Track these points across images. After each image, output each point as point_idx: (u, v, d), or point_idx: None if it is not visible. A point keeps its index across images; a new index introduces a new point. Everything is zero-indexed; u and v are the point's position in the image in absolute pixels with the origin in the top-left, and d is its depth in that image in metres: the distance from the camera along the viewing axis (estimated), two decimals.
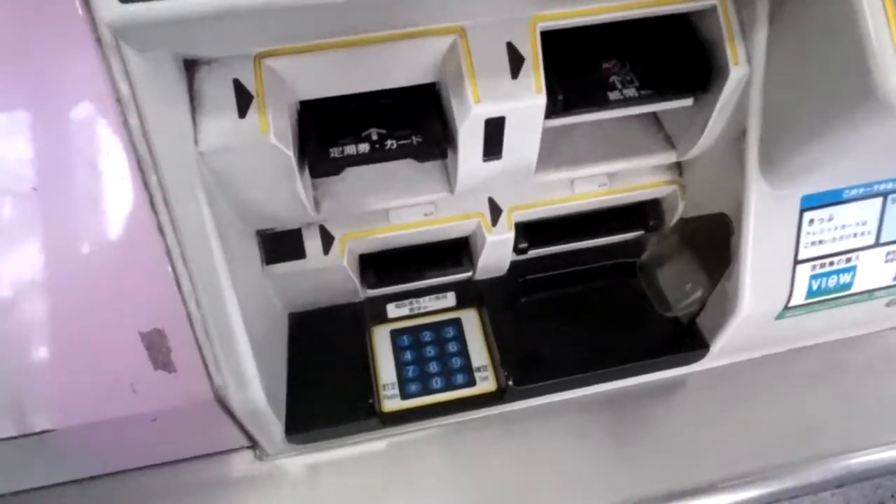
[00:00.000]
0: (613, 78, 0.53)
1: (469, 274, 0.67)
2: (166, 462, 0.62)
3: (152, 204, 0.46)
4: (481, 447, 0.63)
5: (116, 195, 0.46)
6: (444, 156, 0.51)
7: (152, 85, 0.42)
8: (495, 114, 0.48)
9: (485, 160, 0.51)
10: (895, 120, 0.41)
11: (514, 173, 0.54)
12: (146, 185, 0.45)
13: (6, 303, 0.46)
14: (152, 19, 0.36)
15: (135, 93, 0.42)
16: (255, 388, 0.53)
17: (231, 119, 0.45)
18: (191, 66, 0.45)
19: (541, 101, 0.48)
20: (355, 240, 0.59)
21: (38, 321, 0.48)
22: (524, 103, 0.48)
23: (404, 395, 0.63)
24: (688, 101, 0.55)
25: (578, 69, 0.52)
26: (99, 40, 0.41)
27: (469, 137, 0.49)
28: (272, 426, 0.57)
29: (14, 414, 0.50)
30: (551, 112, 0.49)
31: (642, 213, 0.68)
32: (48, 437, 0.51)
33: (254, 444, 0.61)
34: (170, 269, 0.48)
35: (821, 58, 0.45)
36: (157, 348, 0.50)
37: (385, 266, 0.66)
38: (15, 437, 0.50)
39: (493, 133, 0.49)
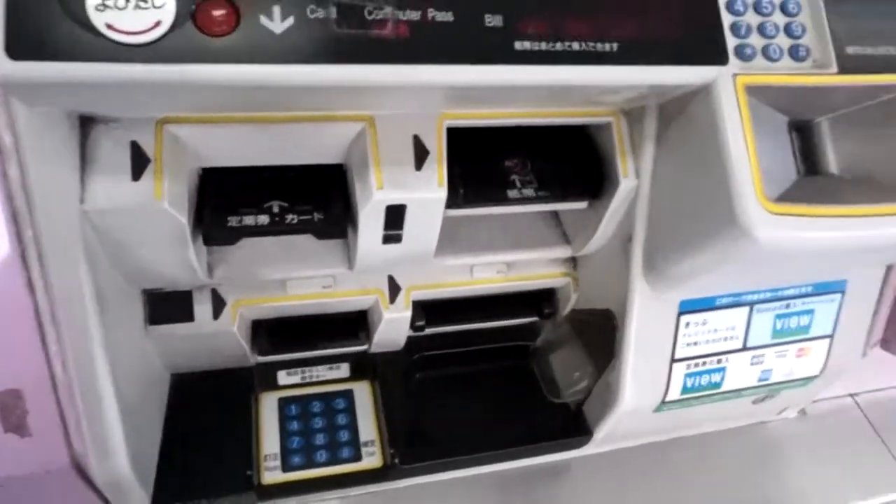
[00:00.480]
0: (514, 176, 0.56)
1: (365, 347, 0.67)
2: None
3: (24, 258, 0.43)
4: None
5: None
6: (343, 235, 0.51)
7: (39, 139, 0.41)
8: (396, 201, 0.49)
9: (384, 242, 0.52)
10: (752, 246, 0.46)
11: (414, 257, 0.56)
12: (19, 239, 0.43)
13: None
14: (45, 80, 0.35)
15: (18, 144, 0.40)
16: (120, 457, 0.50)
17: (124, 181, 0.44)
18: (87, 122, 0.44)
19: (442, 193, 0.49)
20: (248, 306, 0.58)
21: None
22: (425, 195, 0.49)
23: (286, 466, 0.61)
24: (582, 205, 0.58)
25: (482, 164, 0.55)
26: None
27: (370, 221, 0.50)
28: (136, 498, 0.54)
29: None
30: (452, 204, 0.51)
31: (537, 301, 0.70)
32: None
33: None
34: (36, 327, 0.45)
35: (695, 182, 0.49)
36: (10, 409, 0.46)
37: (278, 332, 0.64)
38: None
39: (394, 219, 0.50)
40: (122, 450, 0.49)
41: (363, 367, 0.68)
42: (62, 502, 0.55)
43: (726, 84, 0.46)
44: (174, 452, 0.59)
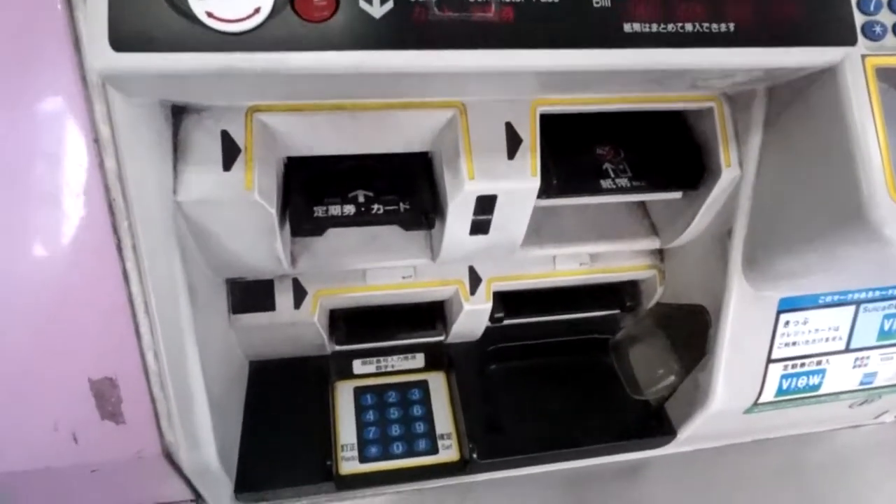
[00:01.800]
0: (607, 165, 0.53)
1: (441, 337, 0.66)
2: None
3: (120, 249, 0.43)
4: None
5: (84, 237, 0.43)
6: (431, 226, 0.49)
7: (135, 130, 0.40)
8: (488, 192, 0.47)
9: (471, 234, 0.50)
10: (879, 244, 0.42)
11: (500, 248, 0.54)
12: (115, 230, 0.43)
13: None
14: (146, 71, 0.34)
15: (115, 136, 0.40)
16: (209, 447, 0.50)
17: (215, 171, 0.43)
18: (178, 113, 0.43)
19: (535, 183, 0.47)
20: (329, 297, 0.58)
21: None
22: (518, 185, 0.47)
23: (363, 458, 0.61)
24: (677, 195, 0.55)
25: (573, 152, 0.52)
26: (84, 79, 0.39)
27: (459, 212, 0.48)
28: (221, 485, 0.54)
29: None
30: (544, 193, 0.49)
31: (620, 293, 0.67)
32: None
33: (198, 499, 0.58)
34: (130, 317, 0.45)
35: (812, 173, 0.46)
36: (106, 397, 0.47)
37: (355, 322, 0.64)
38: None
39: (484, 209, 0.48)
40: (210, 440, 0.50)
41: (438, 357, 0.67)
42: (151, 487, 0.56)
43: (854, 66, 0.42)
44: (255, 441, 0.59)
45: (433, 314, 0.65)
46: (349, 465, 0.60)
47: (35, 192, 0.42)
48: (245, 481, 0.56)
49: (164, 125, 0.42)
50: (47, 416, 0.47)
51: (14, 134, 0.41)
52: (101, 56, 0.33)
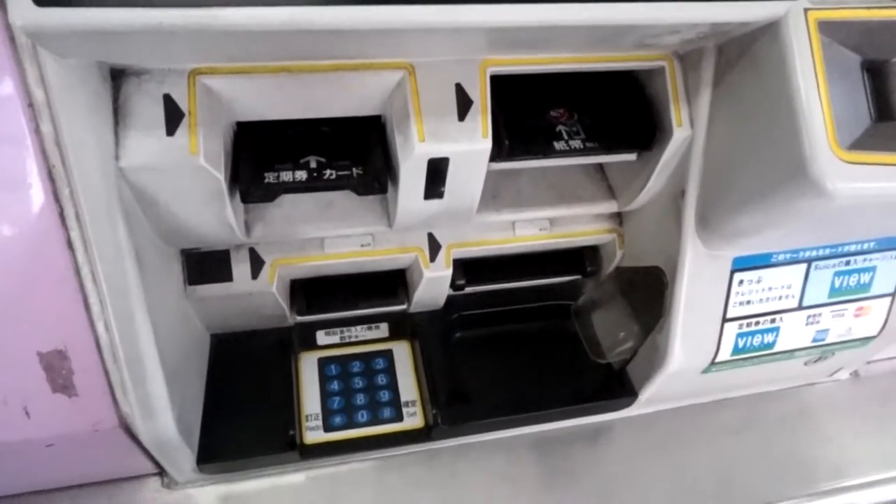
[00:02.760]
0: (560, 127, 0.53)
1: (404, 306, 0.66)
2: (64, 487, 0.58)
3: (62, 217, 0.43)
4: (404, 485, 0.62)
5: (23, 205, 0.42)
6: (384, 190, 0.49)
7: (71, 93, 0.39)
8: (439, 154, 0.47)
9: (426, 198, 0.50)
10: (822, 199, 0.43)
11: (456, 213, 0.54)
12: (57, 197, 0.42)
13: None
14: (71, 27, 0.33)
15: (49, 99, 0.39)
16: (166, 417, 0.50)
17: (158, 136, 0.42)
18: (118, 76, 0.42)
19: (486, 145, 0.47)
20: (287, 266, 0.57)
21: None
22: (469, 147, 0.47)
23: (328, 427, 0.61)
24: (631, 157, 0.55)
25: (525, 115, 0.52)
26: (12, 40, 0.38)
27: (411, 175, 0.48)
28: (182, 455, 0.54)
29: None
30: (496, 156, 0.49)
31: (580, 259, 0.68)
32: None
33: (162, 472, 0.58)
34: (77, 287, 0.44)
35: (758, 129, 0.46)
36: (56, 370, 0.47)
37: (317, 293, 0.63)
38: None
39: (436, 173, 0.48)
40: (166, 409, 0.49)
41: (402, 326, 0.67)
42: (111, 460, 0.56)
43: (797, 19, 0.42)
44: (217, 412, 0.59)
45: (395, 283, 0.65)
46: (314, 434, 0.60)
47: None
48: (207, 452, 0.56)
49: (102, 87, 0.41)
50: None
51: None
52: (24, 12, 0.32)
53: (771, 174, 0.45)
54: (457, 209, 0.53)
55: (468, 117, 0.47)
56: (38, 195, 0.42)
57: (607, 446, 0.69)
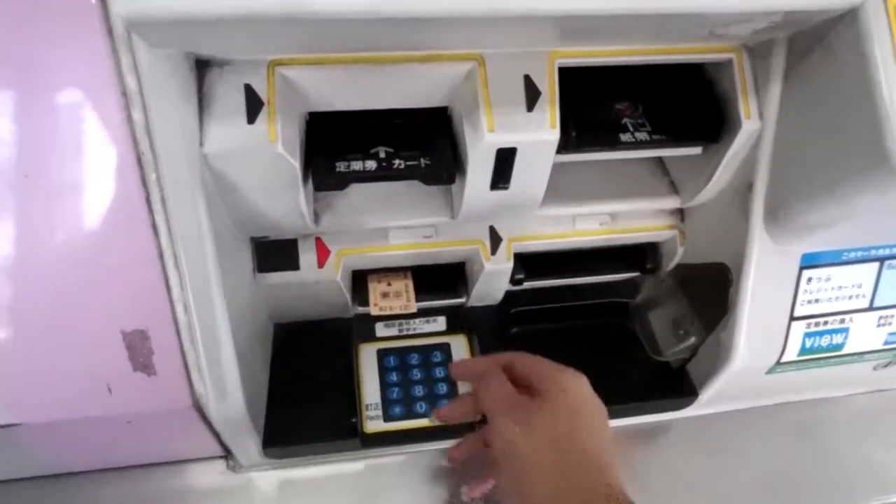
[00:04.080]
0: (626, 119, 0.53)
1: (462, 300, 0.66)
2: (135, 465, 0.60)
3: (149, 202, 0.45)
4: (460, 477, 0.62)
5: (113, 190, 0.44)
6: (451, 181, 0.50)
7: (161, 81, 0.41)
8: (508, 144, 0.47)
9: (492, 189, 0.51)
10: None
11: (520, 205, 0.54)
12: (144, 182, 0.44)
13: None
14: (167, 17, 0.35)
15: (142, 88, 0.41)
16: (237, 399, 0.51)
17: (239, 124, 0.44)
18: (203, 67, 0.45)
19: (554, 135, 0.47)
20: (351, 256, 0.58)
21: (17, 309, 0.46)
22: (538, 137, 0.47)
23: (387, 417, 0.62)
24: (697, 150, 0.55)
25: (592, 107, 0.52)
26: (110, 31, 0.40)
27: (478, 165, 0.49)
28: (249, 439, 0.56)
29: None
30: (563, 148, 0.49)
31: (640, 255, 0.67)
32: (13, 431, 0.49)
33: (228, 454, 0.60)
34: (160, 269, 0.46)
35: (834, 119, 0.45)
36: (138, 349, 0.49)
37: None
38: None
39: (504, 163, 0.49)
40: (238, 391, 0.51)
41: (460, 320, 0.67)
42: (181, 441, 0.58)
43: (876, 7, 0.41)
44: (281, 399, 0.60)
45: (454, 277, 0.66)
46: (374, 423, 0.61)
47: (64, 148, 0.43)
48: (273, 436, 0.57)
49: (190, 77, 0.43)
50: (83, 367, 0.48)
51: (41, 89, 0.42)
52: (126, 2, 0.34)
53: (848, 165, 0.44)
54: (521, 200, 0.53)
55: (536, 108, 0.47)
56: (127, 181, 0.44)
57: (664, 446, 0.68)
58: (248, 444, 0.56)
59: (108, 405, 0.49)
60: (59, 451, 0.56)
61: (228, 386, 0.51)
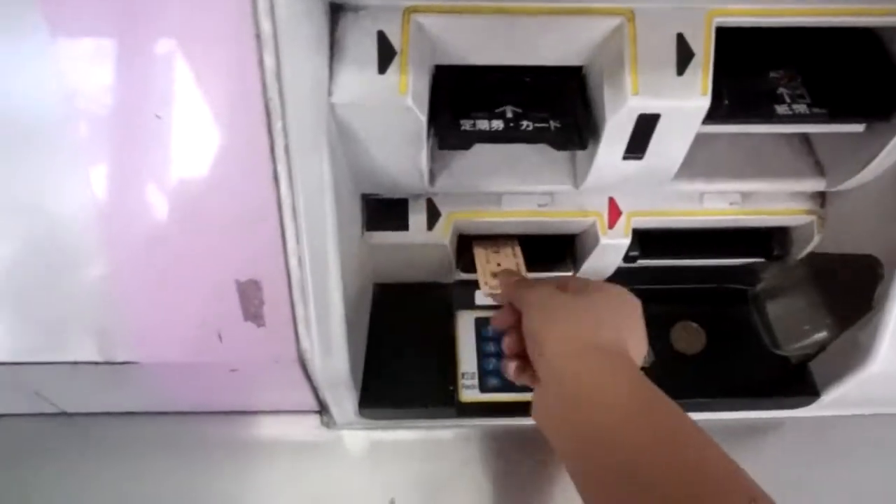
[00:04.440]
0: (782, 90, 0.47)
1: (569, 273, 0.63)
2: (235, 411, 0.61)
3: (273, 150, 0.43)
4: (550, 454, 0.60)
5: (237, 137, 0.43)
6: (583, 146, 0.46)
7: (296, 25, 0.39)
8: (652, 110, 0.43)
9: (625, 158, 0.47)
10: None
11: (651, 176, 0.50)
12: (269, 131, 0.43)
13: (109, 228, 0.45)
14: None
15: (276, 31, 0.39)
16: (341, 357, 0.51)
17: (370, 73, 0.42)
18: (336, 11, 0.42)
19: (704, 103, 0.43)
20: (462, 219, 0.56)
21: (138, 253, 0.46)
22: (685, 103, 0.43)
23: (483, 387, 0.60)
24: (859, 128, 0.49)
25: (746, 74, 0.47)
26: None
27: (616, 131, 0.45)
28: (347, 397, 0.55)
29: (101, 341, 0.49)
30: (710, 117, 0.44)
31: (767, 240, 0.62)
32: (129, 369, 0.50)
33: (323, 410, 0.60)
34: (278, 220, 0.45)
35: None
36: (249, 299, 0.48)
37: None
38: (97, 363, 0.50)
39: (644, 130, 0.45)
40: (343, 349, 0.50)
41: None
42: (282, 391, 0.58)
43: None
44: (378, 359, 0.59)
45: (563, 248, 0.62)
46: (470, 392, 0.60)
47: (196, 91, 0.42)
48: (369, 396, 0.57)
49: (324, 22, 0.41)
50: (196, 313, 0.49)
51: (176, 31, 0.41)
52: None
53: None
54: (654, 172, 0.49)
55: (688, 71, 0.43)
56: (252, 127, 0.43)
57: (772, 446, 0.63)
58: (345, 402, 0.56)
59: (217, 352, 0.50)
60: (167, 390, 0.57)
61: (334, 343, 0.50)
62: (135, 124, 0.43)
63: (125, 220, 0.45)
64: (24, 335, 0.49)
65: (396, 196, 0.56)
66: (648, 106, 0.43)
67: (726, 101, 0.45)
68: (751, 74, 0.48)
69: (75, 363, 0.49)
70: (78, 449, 0.59)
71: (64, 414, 0.60)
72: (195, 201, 0.45)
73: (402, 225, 0.56)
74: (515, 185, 0.53)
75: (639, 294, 0.65)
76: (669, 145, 0.46)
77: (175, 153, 0.44)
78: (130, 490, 0.58)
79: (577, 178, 0.52)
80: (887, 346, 0.51)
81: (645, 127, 0.44)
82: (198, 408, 0.60)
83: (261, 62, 0.41)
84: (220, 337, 0.49)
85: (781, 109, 0.46)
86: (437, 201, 0.56)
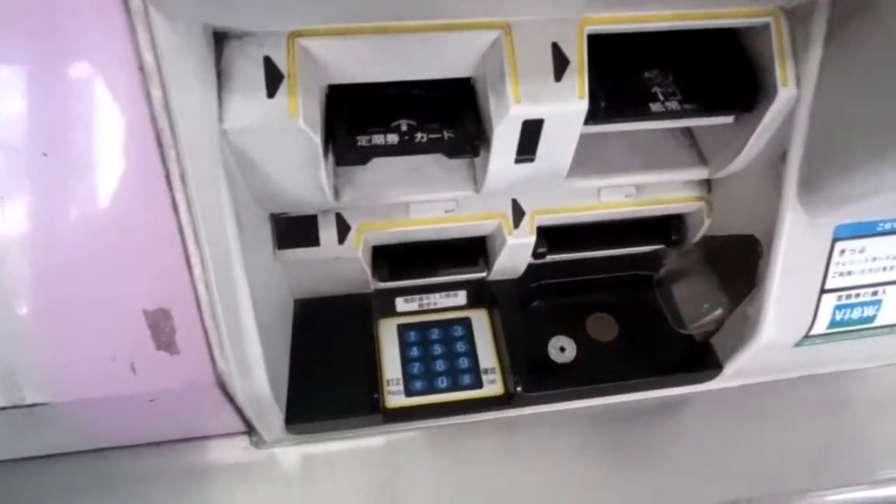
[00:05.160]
0: (656, 88, 0.51)
1: (483, 274, 0.65)
2: (159, 442, 0.60)
3: (168, 180, 0.44)
4: (481, 452, 0.62)
5: (131, 168, 0.43)
6: (475, 154, 0.49)
7: (179, 56, 0.40)
8: (535, 116, 0.46)
9: (517, 162, 0.49)
10: None
11: (545, 177, 0.53)
12: (164, 160, 0.43)
13: (7, 268, 0.44)
14: None
15: (160, 63, 0.39)
16: (260, 376, 0.51)
17: (259, 98, 0.43)
18: (220, 40, 0.43)
19: (583, 106, 0.46)
20: (372, 231, 0.57)
21: (38, 290, 0.45)
22: (566, 107, 0.46)
23: (409, 392, 0.62)
24: (729, 119, 0.53)
25: (620, 76, 0.50)
26: (126, 5, 0.38)
27: (504, 137, 0.47)
28: (273, 415, 0.56)
29: (6, 384, 0.48)
30: (590, 118, 0.47)
31: (665, 228, 0.66)
32: (40, 410, 0.49)
33: (250, 431, 0.60)
34: (181, 248, 0.46)
35: (880, 86, 0.43)
36: (160, 328, 0.48)
37: (398, 259, 0.64)
38: (4, 408, 0.48)
39: (530, 135, 0.47)
40: (261, 367, 0.51)
41: (481, 295, 0.67)
42: (204, 418, 0.58)
43: None
44: (302, 375, 0.60)
45: (475, 250, 0.65)
46: (395, 398, 0.61)
47: (83, 126, 0.42)
48: (295, 413, 0.57)
49: (207, 51, 0.42)
50: (106, 347, 0.48)
51: (58, 68, 0.41)
52: None
53: (893, 130, 0.42)
54: (547, 173, 0.52)
55: (565, 77, 0.45)
56: (146, 158, 0.43)
57: (687, 420, 0.67)
58: (271, 420, 0.56)
59: (131, 384, 0.49)
60: (83, 428, 0.56)
61: (251, 363, 0.50)
62: (21, 163, 0.42)
63: (25, 257, 0.45)
64: None
65: (305, 213, 0.56)
66: (531, 112, 0.45)
67: (603, 103, 0.48)
68: (626, 76, 0.51)
69: None
70: None
71: None
72: (96, 235, 0.45)
73: (314, 241, 0.56)
74: (419, 195, 0.55)
75: (553, 288, 0.69)
76: (557, 147, 0.49)
77: (69, 189, 0.43)
78: None
79: (477, 183, 0.54)
80: (772, 317, 0.56)
81: (531, 132, 0.47)
82: (121, 442, 0.59)
83: (147, 95, 0.41)
84: (133, 369, 0.49)
85: (656, 107, 0.50)
86: (346, 215, 0.57)
